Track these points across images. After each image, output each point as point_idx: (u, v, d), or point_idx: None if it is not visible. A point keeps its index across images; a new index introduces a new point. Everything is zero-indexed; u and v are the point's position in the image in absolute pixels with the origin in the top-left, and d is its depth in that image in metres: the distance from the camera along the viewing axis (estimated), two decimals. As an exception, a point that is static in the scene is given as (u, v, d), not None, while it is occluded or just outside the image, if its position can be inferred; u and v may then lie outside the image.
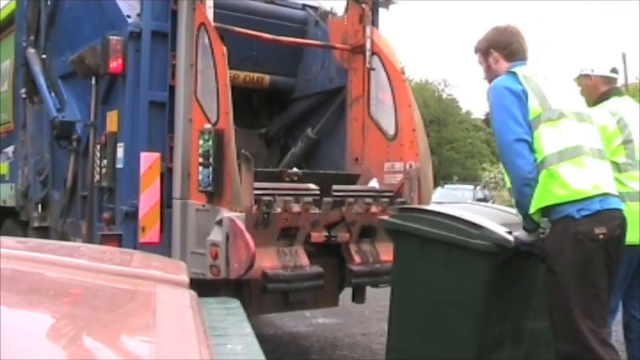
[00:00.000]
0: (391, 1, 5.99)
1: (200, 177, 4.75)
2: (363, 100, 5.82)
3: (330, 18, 6.38)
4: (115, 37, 5.16)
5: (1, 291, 1.51)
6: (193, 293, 1.99)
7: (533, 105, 3.46)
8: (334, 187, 5.23)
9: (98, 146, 5.48)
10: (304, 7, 6.57)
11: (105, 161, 5.36)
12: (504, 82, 3.57)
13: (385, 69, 5.62)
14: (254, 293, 4.96)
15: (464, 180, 38.16)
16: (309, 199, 4.90)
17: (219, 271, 4.51)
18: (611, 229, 3.34)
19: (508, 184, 3.67)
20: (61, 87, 6.37)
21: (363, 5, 5.81)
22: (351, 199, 5.14)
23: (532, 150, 3.43)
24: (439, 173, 36.14)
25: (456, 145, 49.92)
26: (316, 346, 6.30)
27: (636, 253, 4.09)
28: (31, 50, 6.76)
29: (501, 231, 3.54)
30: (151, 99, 5.13)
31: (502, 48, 3.74)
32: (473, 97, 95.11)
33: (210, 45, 4.88)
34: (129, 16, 5.30)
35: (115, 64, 5.17)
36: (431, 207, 3.98)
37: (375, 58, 5.71)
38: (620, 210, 3.44)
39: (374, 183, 5.52)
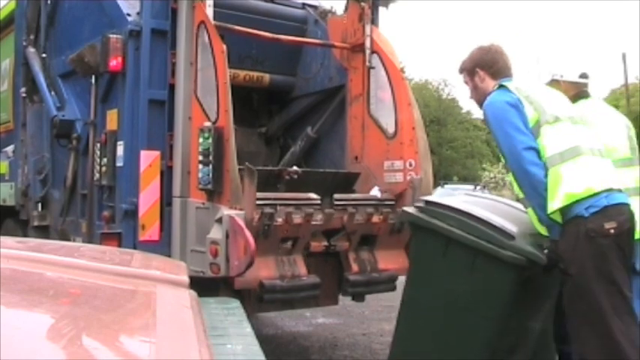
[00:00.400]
0: (391, -1, 5.98)
1: (200, 175, 4.75)
2: (363, 99, 5.82)
3: (330, 17, 6.37)
4: (114, 36, 5.17)
5: (1, 291, 1.51)
6: (193, 293, 1.99)
7: (530, 112, 3.51)
8: (336, 195, 5.21)
9: (98, 145, 5.48)
10: (304, 5, 6.56)
11: (105, 160, 5.37)
12: (499, 96, 3.62)
13: (385, 67, 5.62)
14: (253, 292, 4.96)
15: (464, 180, 38.18)
16: (311, 210, 4.87)
17: (219, 269, 4.51)
18: (621, 224, 3.34)
19: (520, 195, 3.64)
20: (61, 86, 6.37)
21: (363, 4, 5.81)
22: (353, 209, 5.11)
23: (540, 156, 3.46)
24: (439, 173, 36.18)
25: (455, 144, 49.90)
26: (316, 346, 6.30)
27: None
28: (31, 49, 6.76)
29: (533, 245, 3.48)
30: (150, 97, 5.14)
31: (488, 67, 3.82)
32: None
33: (210, 43, 4.88)
34: (129, 15, 5.30)
35: (114, 63, 5.17)
36: (459, 205, 3.77)
37: (375, 56, 5.70)
38: (626, 204, 3.46)
39: (375, 191, 5.48)
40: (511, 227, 3.55)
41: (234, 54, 5.30)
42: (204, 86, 4.95)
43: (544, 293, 3.81)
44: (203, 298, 2.06)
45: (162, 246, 4.93)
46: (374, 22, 5.84)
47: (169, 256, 4.79)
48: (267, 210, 4.66)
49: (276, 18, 6.26)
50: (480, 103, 3.85)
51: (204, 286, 2.99)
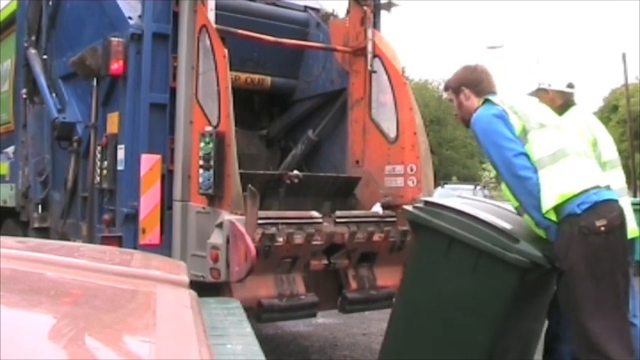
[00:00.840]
0: (393, 3, 5.98)
1: (201, 179, 4.74)
2: (364, 103, 5.82)
3: (332, 20, 6.38)
4: (116, 39, 5.17)
5: (1, 291, 1.51)
6: (193, 293, 1.99)
7: (515, 121, 3.63)
8: (337, 213, 5.19)
9: (99, 147, 5.48)
10: (306, 8, 6.57)
11: (105, 163, 5.36)
12: (484, 110, 3.75)
13: (386, 71, 5.61)
14: (252, 310, 4.95)
15: (464, 180, 38.13)
16: (312, 230, 4.86)
17: (219, 274, 4.50)
18: (611, 221, 3.42)
19: (515, 203, 3.70)
20: (62, 88, 6.37)
21: (365, 7, 5.81)
22: (354, 227, 5.09)
23: (529, 160, 3.55)
24: (439, 173, 36.08)
25: (455, 144, 49.84)
26: (316, 346, 6.30)
27: None
28: (32, 51, 6.77)
29: (537, 248, 3.52)
30: (151, 101, 5.13)
31: (473, 85, 3.95)
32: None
33: (212, 47, 4.87)
34: (130, 18, 5.30)
35: (116, 66, 5.17)
36: (461, 207, 3.77)
37: (377, 60, 5.70)
38: (615, 201, 3.55)
39: (377, 208, 5.45)
40: (514, 230, 3.57)
41: (236, 56, 5.30)
42: (206, 90, 4.94)
43: (541, 294, 3.83)
44: (203, 298, 2.06)
45: (162, 250, 4.91)
46: (376, 25, 5.84)
47: (169, 258, 4.78)
48: (269, 231, 4.64)
49: (278, 21, 6.26)
50: (464, 121, 4.00)
51: (204, 289, 3.00)
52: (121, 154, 5.27)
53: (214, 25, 4.96)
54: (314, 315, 5.23)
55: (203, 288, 3.81)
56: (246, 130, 6.31)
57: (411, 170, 5.35)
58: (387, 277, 5.28)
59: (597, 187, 3.51)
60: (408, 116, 5.43)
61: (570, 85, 4.77)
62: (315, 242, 4.86)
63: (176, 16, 5.15)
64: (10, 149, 7.51)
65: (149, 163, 5.03)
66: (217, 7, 5.12)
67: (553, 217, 3.48)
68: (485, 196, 24.04)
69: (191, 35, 5.05)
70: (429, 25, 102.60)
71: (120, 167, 5.28)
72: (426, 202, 3.96)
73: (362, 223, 5.16)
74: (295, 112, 6.61)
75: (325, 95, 6.32)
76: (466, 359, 3.68)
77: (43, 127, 6.60)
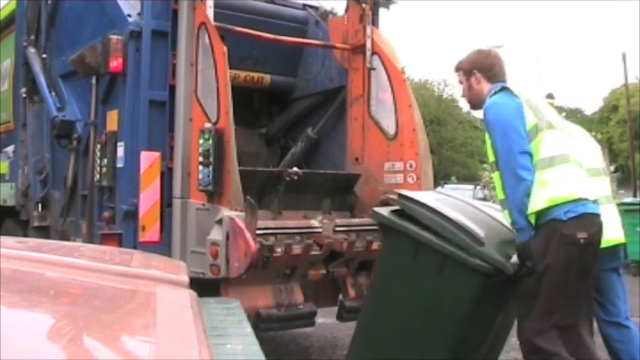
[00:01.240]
0: (391, 1, 5.98)
1: (200, 176, 4.75)
2: (364, 100, 5.82)
3: (331, 18, 6.37)
4: (115, 37, 5.17)
5: (1, 291, 1.51)
6: (193, 293, 1.99)
7: (529, 117, 3.64)
8: (337, 221, 5.19)
9: (98, 145, 5.48)
10: (305, 6, 6.56)
11: (105, 160, 5.37)
12: (503, 98, 3.75)
13: (386, 69, 5.62)
14: (250, 320, 4.96)
15: (464, 180, 38.12)
16: (310, 241, 4.86)
17: (219, 270, 4.51)
18: (592, 235, 3.52)
19: (501, 196, 3.73)
20: (62, 86, 6.37)
21: (364, 5, 5.81)
22: (354, 236, 5.09)
23: (532, 160, 3.58)
24: (439, 173, 36.08)
25: (455, 144, 49.80)
26: (316, 346, 6.30)
27: None
28: (32, 49, 6.76)
29: (501, 253, 3.55)
30: (151, 98, 5.14)
31: (485, 70, 3.94)
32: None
33: (211, 44, 4.87)
34: (129, 16, 5.30)
35: (115, 64, 5.17)
36: (433, 203, 3.77)
37: (376, 57, 5.70)
38: (598, 216, 3.63)
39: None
40: (481, 232, 3.60)
41: (235, 54, 5.30)
42: (205, 87, 4.95)
43: (507, 296, 3.84)
44: (203, 298, 2.06)
45: (162, 247, 4.92)
46: (374, 23, 5.84)
47: (170, 257, 4.78)
48: (267, 242, 4.64)
49: (277, 19, 6.26)
50: (472, 103, 4.04)
51: (204, 288, 3.00)
52: (120, 151, 5.27)
53: (213, 23, 4.96)
54: (312, 324, 5.28)
55: (203, 287, 3.81)
56: (245, 129, 6.30)
57: (411, 167, 5.35)
58: None
59: (586, 199, 3.57)
60: (407, 113, 5.43)
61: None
62: (313, 252, 4.87)
63: (175, 13, 5.15)
64: (10, 148, 7.51)
65: (149, 160, 5.03)
66: (216, 5, 5.11)
67: (532, 220, 3.52)
68: (485, 196, 24.09)
69: (190, 33, 5.05)
70: (429, 24, 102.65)
71: (119, 165, 5.28)
72: (400, 195, 3.95)
73: (361, 231, 5.17)
74: (295, 110, 6.60)
75: (324, 93, 6.32)
76: (431, 359, 3.74)
77: (42, 126, 6.60)
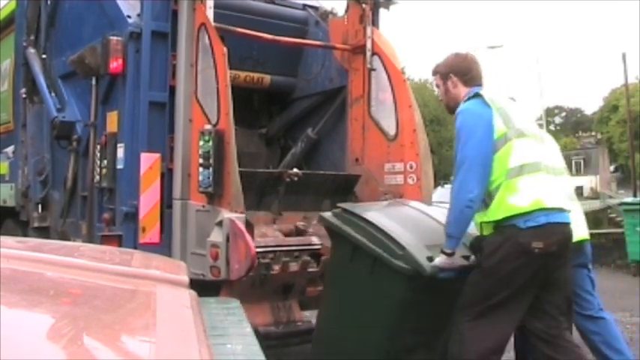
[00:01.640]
0: (392, 1, 5.97)
1: (200, 178, 4.74)
2: (364, 101, 5.81)
3: (331, 18, 6.37)
4: (115, 37, 5.16)
5: (1, 291, 1.51)
6: (193, 293, 1.99)
7: (499, 125, 3.63)
8: None
9: (98, 146, 5.48)
10: (305, 7, 6.56)
11: (105, 162, 5.36)
12: (475, 105, 3.75)
13: (386, 69, 5.61)
14: None
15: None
16: (308, 258, 4.87)
17: (219, 272, 4.51)
18: (548, 245, 3.49)
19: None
20: (61, 87, 6.37)
21: (364, 5, 5.80)
22: None
23: (488, 174, 3.56)
24: (439, 173, 36.02)
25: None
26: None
27: None
28: (32, 50, 6.76)
29: (422, 256, 3.65)
30: (151, 99, 5.13)
31: (462, 74, 3.96)
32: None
33: (211, 45, 4.87)
34: (129, 16, 5.30)
35: (115, 65, 5.17)
36: (365, 213, 4.04)
37: (376, 58, 5.69)
38: (566, 224, 3.62)
39: None
40: (406, 238, 3.75)
41: (235, 55, 5.30)
42: (205, 88, 4.94)
43: (442, 297, 3.86)
44: (203, 298, 2.06)
45: (162, 248, 4.91)
46: (374, 23, 5.84)
47: (170, 257, 4.79)
48: (264, 260, 4.65)
49: (277, 19, 6.26)
50: (449, 107, 4.04)
51: (204, 289, 2.99)
52: (120, 152, 5.27)
53: (213, 24, 4.96)
54: (310, 341, 5.26)
55: (203, 289, 3.81)
56: (245, 129, 6.30)
57: (411, 168, 5.35)
58: None
59: (551, 208, 3.55)
60: (407, 113, 5.43)
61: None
62: (311, 269, 4.88)
63: (175, 14, 5.15)
64: (10, 149, 7.51)
65: (149, 161, 5.02)
66: (216, 6, 5.11)
67: (489, 229, 3.56)
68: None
69: (190, 33, 5.04)
70: (429, 25, 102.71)
71: (119, 166, 5.28)
72: (342, 210, 4.20)
73: None
74: (295, 110, 6.60)
75: (324, 93, 6.32)
76: (369, 358, 3.91)
77: (42, 127, 6.60)
